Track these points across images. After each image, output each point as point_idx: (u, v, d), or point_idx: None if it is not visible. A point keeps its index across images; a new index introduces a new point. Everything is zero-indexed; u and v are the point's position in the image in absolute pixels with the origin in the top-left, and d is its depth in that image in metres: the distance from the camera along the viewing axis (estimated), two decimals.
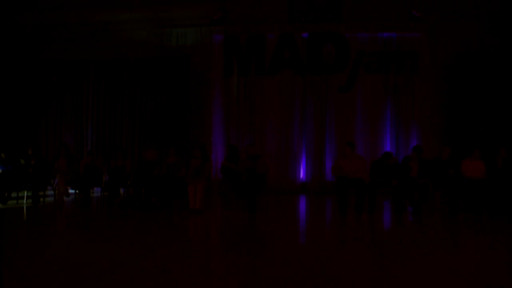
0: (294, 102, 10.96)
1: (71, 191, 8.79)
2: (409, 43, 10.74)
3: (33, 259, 4.65)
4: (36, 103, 11.68)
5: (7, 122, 11.63)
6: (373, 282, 3.94)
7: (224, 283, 3.90)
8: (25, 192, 8.72)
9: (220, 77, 11.12)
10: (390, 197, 8.08)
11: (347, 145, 7.89)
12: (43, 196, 8.79)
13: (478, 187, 7.80)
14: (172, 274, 4.11)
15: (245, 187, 7.78)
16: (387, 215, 7.76)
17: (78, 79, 11.54)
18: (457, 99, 10.55)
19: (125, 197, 8.45)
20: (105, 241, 5.58)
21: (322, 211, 8.00)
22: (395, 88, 10.80)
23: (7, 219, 6.92)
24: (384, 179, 7.76)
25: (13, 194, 8.69)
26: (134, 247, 5.20)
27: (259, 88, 11.02)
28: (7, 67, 11.74)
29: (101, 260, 4.57)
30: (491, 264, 4.57)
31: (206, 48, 11.13)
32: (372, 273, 4.25)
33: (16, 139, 11.40)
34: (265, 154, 10.14)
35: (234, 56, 11.01)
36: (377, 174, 7.85)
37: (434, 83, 10.67)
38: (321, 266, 4.43)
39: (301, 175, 10.96)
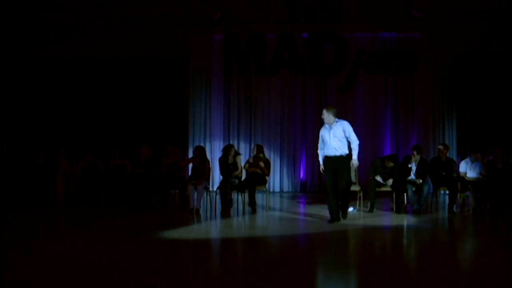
0: (294, 102, 10.94)
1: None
2: (409, 43, 10.73)
3: (31, 257, 4.66)
4: (35, 103, 11.64)
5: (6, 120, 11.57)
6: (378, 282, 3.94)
7: (223, 284, 3.90)
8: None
9: (220, 77, 11.11)
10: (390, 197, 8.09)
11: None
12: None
13: (478, 187, 7.78)
14: (171, 274, 4.11)
15: (246, 184, 7.83)
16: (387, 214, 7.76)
17: (77, 78, 11.50)
18: (456, 99, 10.54)
19: (125, 197, 8.44)
20: (104, 240, 5.59)
21: (321, 210, 7.99)
22: (394, 88, 10.78)
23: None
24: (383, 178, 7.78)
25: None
26: (134, 247, 5.21)
27: (259, 88, 11.02)
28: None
29: (100, 260, 4.58)
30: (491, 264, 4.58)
31: (206, 48, 11.12)
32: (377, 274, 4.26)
33: (18, 137, 11.35)
34: (265, 154, 10.11)
35: (234, 56, 11.00)
36: (376, 173, 7.88)
37: (434, 83, 10.65)
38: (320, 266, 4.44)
39: (301, 175, 10.95)
